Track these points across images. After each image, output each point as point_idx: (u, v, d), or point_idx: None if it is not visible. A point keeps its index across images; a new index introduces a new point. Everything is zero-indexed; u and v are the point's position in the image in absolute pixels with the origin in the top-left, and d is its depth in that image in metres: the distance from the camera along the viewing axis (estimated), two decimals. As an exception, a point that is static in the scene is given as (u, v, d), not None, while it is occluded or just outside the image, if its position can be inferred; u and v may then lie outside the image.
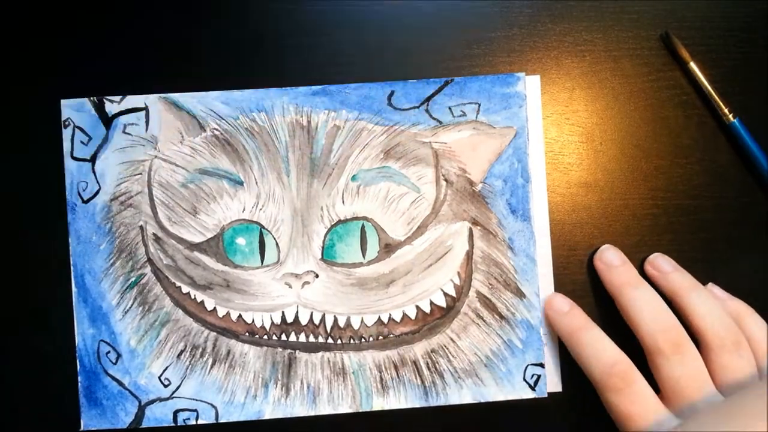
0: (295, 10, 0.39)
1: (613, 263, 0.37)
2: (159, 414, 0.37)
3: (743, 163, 0.39)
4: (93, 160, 0.38)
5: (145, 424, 0.37)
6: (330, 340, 0.38)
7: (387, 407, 0.38)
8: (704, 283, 0.37)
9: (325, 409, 0.37)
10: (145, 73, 0.38)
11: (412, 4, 0.39)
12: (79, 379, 0.37)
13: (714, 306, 0.35)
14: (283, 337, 0.38)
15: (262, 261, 0.37)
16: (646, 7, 0.39)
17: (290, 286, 0.37)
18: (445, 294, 0.38)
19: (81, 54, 0.38)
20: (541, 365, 0.38)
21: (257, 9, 0.38)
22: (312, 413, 0.37)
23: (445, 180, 0.38)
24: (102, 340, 0.37)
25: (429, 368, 0.38)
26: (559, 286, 0.38)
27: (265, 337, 0.37)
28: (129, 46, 0.38)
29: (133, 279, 0.38)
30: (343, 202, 0.38)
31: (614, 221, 0.38)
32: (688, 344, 0.34)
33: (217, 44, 0.38)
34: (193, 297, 0.37)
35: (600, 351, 0.34)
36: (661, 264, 0.37)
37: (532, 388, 0.38)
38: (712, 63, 0.38)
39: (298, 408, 0.37)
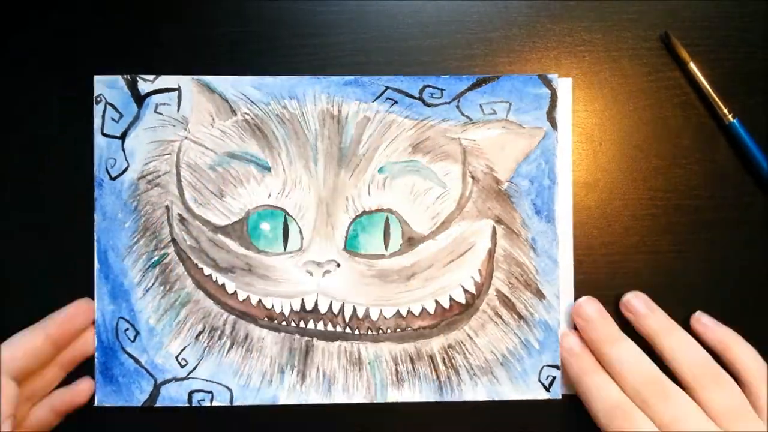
0: (292, 9, 0.39)
1: (590, 318, 0.36)
2: (174, 394, 0.37)
3: (743, 163, 0.39)
4: (123, 137, 0.38)
5: (159, 403, 0.37)
6: (348, 330, 0.38)
7: (401, 400, 0.38)
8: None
9: (339, 397, 0.37)
10: (178, 53, 0.38)
11: (412, 4, 0.39)
12: (96, 355, 0.38)
13: (689, 347, 0.35)
14: (302, 324, 0.38)
15: (285, 247, 0.38)
16: (646, 7, 0.39)
17: (311, 274, 0.38)
18: (465, 290, 0.38)
19: (115, 31, 0.38)
20: (557, 367, 0.38)
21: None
22: (326, 401, 0.37)
23: (472, 177, 0.38)
24: (121, 317, 0.38)
25: (445, 363, 0.38)
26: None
27: (284, 323, 0.38)
28: (162, 26, 0.38)
29: (156, 258, 0.38)
30: (368, 193, 0.38)
31: (614, 221, 0.38)
32: (674, 390, 0.34)
33: (250, 29, 0.38)
34: (214, 279, 0.38)
35: (604, 392, 0.35)
36: (636, 306, 0.37)
37: (547, 389, 0.38)
38: (711, 63, 0.39)
39: (312, 395, 0.37)
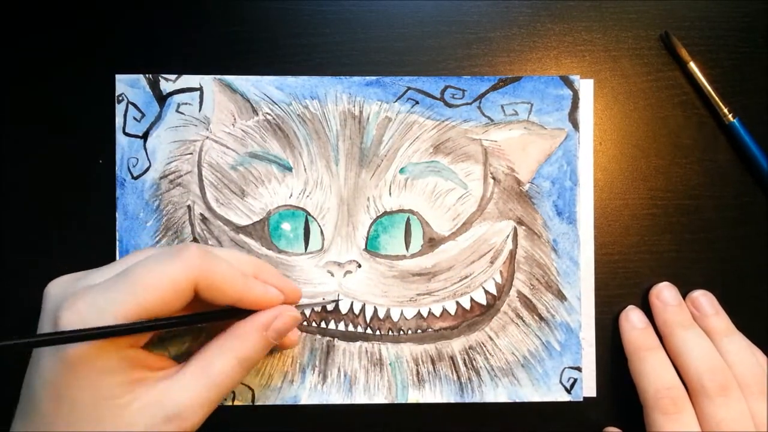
0: (291, 10, 0.39)
1: (669, 302, 0.37)
2: (195, 393, 0.37)
3: (743, 163, 0.39)
4: (145, 137, 0.38)
5: (180, 403, 0.37)
6: (369, 331, 0.38)
7: (422, 400, 0.38)
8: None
9: (360, 398, 0.37)
10: (199, 53, 0.38)
11: (412, 4, 0.39)
12: (117, 353, 0.38)
13: (703, 347, 0.35)
14: (323, 325, 0.38)
15: (306, 248, 0.38)
16: (646, 7, 0.39)
17: (332, 275, 0.38)
18: (486, 292, 0.38)
19: (137, 29, 0.38)
20: (579, 369, 0.38)
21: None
22: (347, 401, 0.37)
23: (493, 178, 0.38)
24: (142, 317, 0.38)
25: (466, 364, 0.38)
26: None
27: (305, 323, 0.38)
28: (184, 25, 0.38)
29: (177, 257, 0.38)
30: (390, 193, 0.38)
31: (614, 221, 0.38)
32: (735, 388, 0.34)
33: (270, 29, 0.38)
34: (235, 279, 0.38)
35: (661, 372, 0.35)
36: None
37: (568, 392, 0.38)
38: (711, 63, 0.39)
39: (334, 395, 0.37)
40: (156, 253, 0.31)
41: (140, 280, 0.29)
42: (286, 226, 0.38)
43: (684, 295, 0.38)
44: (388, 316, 0.38)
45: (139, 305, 0.28)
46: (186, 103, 0.38)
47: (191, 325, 0.32)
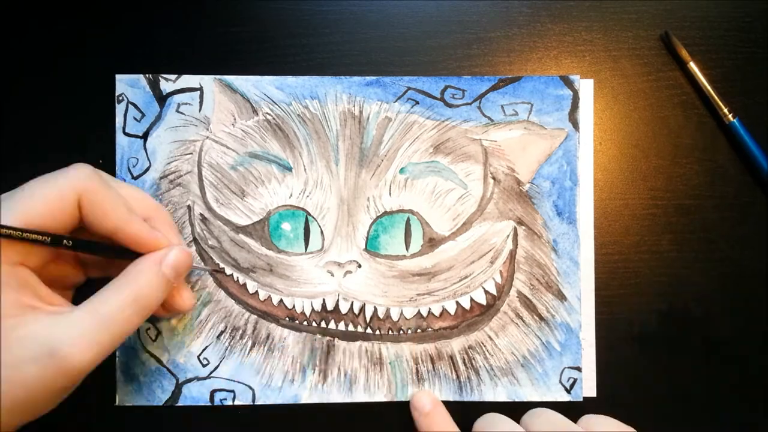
0: (291, 10, 0.39)
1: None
2: (196, 393, 0.38)
3: (743, 162, 0.39)
4: (145, 137, 0.38)
5: (181, 403, 0.38)
6: (369, 330, 0.38)
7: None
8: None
9: (360, 396, 0.38)
10: (199, 53, 0.38)
11: (412, 4, 0.39)
12: (117, 354, 0.38)
13: None
14: (323, 324, 0.38)
15: (306, 248, 0.38)
16: (646, 7, 0.39)
17: (332, 275, 0.38)
18: (486, 292, 0.38)
19: (137, 29, 0.38)
20: (578, 369, 0.38)
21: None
22: (348, 400, 0.38)
23: (493, 178, 0.38)
24: (143, 316, 0.38)
25: (465, 364, 0.38)
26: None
27: (305, 323, 0.38)
28: (184, 25, 0.38)
29: (177, 257, 0.38)
30: (390, 193, 0.38)
31: (614, 221, 0.38)
32: None
33: (270, 29, 0.38)
34: (236, 279, 0.38)
35: None
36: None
37: (568, 391, 0.38)
38: (711, 63, 0.39)
39: (334, 394, 0.37)
40: (55, 172, 0.31)
41: (29, 189, 0.30)
42: (286, 226, 0.38)
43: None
44: (388, 315, 0.38)
45: (24, 213, 0.29)
46: (186, 103, 0.38)
47: (75, 250, 0.31)
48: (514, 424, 0.34)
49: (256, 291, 0.38)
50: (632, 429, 0.34)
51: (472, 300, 0.38)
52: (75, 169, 0.31)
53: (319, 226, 0.38)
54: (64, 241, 0.30)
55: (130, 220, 0.31)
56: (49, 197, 0.30)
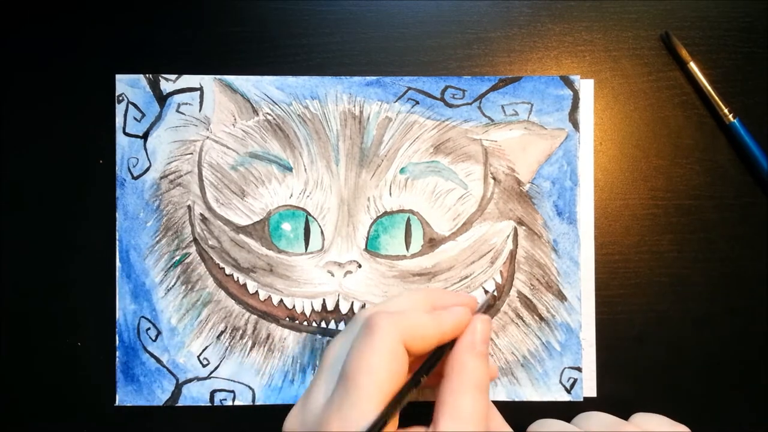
0: (291, 10, 0.39)
1: None
2: (196, 393, 0.37)
3: (743, 163, 0.39)
4: (145, 137, 0.38)
5: (181, 403, 0.37)
6: (369, 331, 0.38)
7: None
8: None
9: (361, 398, 0.37)
10: (199, 53, 0.38)
11: (412, 4, 0.39)
12: (117, 354, 0.38)
13: None
14: (323, 324, 0.38)
15: (306, 248, 0.38)
16: (646, 7, 0.39)
17: (332, 275, 0.38)
18: (486, 292, 0.38)
19: (137, 29, 0.38)
20: (579, 369, 0.38)
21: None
22: (348, 402, 0.37)
23: (494, 178, 0.38)
24: (143, 317, 0.38)
25: (466, 364, 0.38)
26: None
27: (305, 323, 0.38)
28: (184, 25, 0.38)
29: (177, 258, 0.38)
30: (390, 194, 0.38)
31: (614, 221, 0.38)
32: None
33: (270, 29, 0.38)
34: (236, 279, 0.38)
35: None
36: None
37: (568, 391, 0.38)
38: (712, 63, 0.39)
39: (334, 395, 0.37)
40: (359, 346, 0.28)
41: (363, 384, 0.27)
42: (286, 226, 0.38)
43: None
44: (388, 316, 0.38)
45: (378, 405, 0.27)
46: (186, 103, 0.38)
47: (418, 385, 0.30)
48: (569, 425, 0.34)
49: (257, 291, 0.38)
50: (686, 428, 0.33)
51: (472, 300, 0.38)
52: (379, 332, 0.28)
53: (320, 226, 0.38)
54: (421, 379, 0.30)
55: (442, 322, 0.30)
56: (388, 379, 0.28)
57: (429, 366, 0.30)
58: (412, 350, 0.29)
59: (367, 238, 0.38)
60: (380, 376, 0.28)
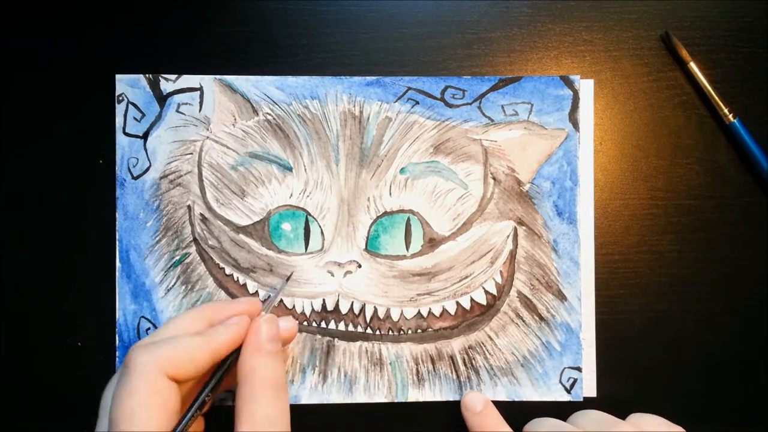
0: (291, 10, 0.39)
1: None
2: (196, 393, 0.37)
3: (743, 163, 0.39)
4: (145, 137, 0.38)
5: (181, 402, 0.37)
6: (369, 330, 0.38)
7: (422, 399, 0.38)
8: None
9: (360, 397, 0.38)
10: (199, 53, 0.38)
11: (412, 4, 0.39)
12: (117, 354, 0.38)
13: None
14: (323, 325, 0.38)
15: (306, 248, 0.38)
16: (646, 7, 0.39)
17: (332, 275, 0.38)
18: (486, 292, 0.38)
19: (137, 29, 0.38)
20: (579, 369, 0.38)
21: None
22: (348, 401, 0.38)
23: (493, 178, 0.38)
24: (143, 317, 0.38)
25: (465, 364, 0.38)
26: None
27: (305, 323, 0.38)
28: (184, 25, 0.38)
29: (177, 258, 0.38)
30: (390, 194, 0.38)
31: (614, 221, 0.38)
32: None
33: (270, 29, 0.38)
34: (236, 279, 0.38)
35: None
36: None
37: (568, 391, 0.38)
38: (712, 63, 0.39)
39: (334, 395, 0.37)
40: (119, 391, 0.28)
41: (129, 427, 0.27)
42: (286, 226, 0.38)
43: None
44: (388, 316, 0.38)
45: None
46: (186, 103, 0.38)
47: (206, 402, 0.31)
48: (565, 424, 0.35)
49: (256, 291, 0.38)
50: (682, 429, 0.34)
51: (472, 300, 0.38)
52: (135, 369, 0.28)
53: (320, 226, 0.38)
54: (206, 399, 0.31)
55: (214, 340, 0.30)
56: (155, 411, 0.28)
57: (214, 384, 0.31)
58: (182, 377, 0.29)
59: (367, 238, 0.38)
60: (142, 420, 0.27)
